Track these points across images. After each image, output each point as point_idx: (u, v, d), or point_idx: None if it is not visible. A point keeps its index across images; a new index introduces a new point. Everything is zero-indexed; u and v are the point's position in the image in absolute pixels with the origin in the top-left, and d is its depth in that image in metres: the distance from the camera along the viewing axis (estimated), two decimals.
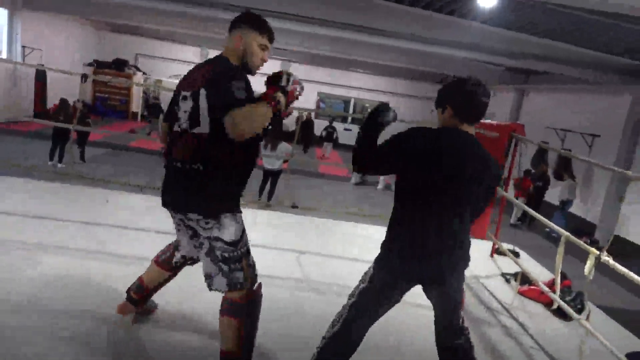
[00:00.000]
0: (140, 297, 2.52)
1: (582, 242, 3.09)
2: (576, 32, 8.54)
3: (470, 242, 2.09)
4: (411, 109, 20.15)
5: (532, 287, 3.87)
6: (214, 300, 2.21)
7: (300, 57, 18.69)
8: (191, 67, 2.25)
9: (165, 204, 2.19)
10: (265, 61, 2.19)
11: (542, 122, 13.52)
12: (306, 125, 17.41)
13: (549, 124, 13.14)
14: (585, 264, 2.73)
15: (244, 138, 1.92)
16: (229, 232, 2.09)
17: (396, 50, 11.47)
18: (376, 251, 2.07)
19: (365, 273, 2.11)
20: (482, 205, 2.13)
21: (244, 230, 2.16)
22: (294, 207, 4.59)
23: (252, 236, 4.04)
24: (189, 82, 2.11)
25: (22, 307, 2.55)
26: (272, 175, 8.75)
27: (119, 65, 18.32)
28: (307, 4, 8.75)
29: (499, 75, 14.88)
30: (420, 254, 1.96)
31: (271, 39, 2.18)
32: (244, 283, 2.11)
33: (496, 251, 4.75)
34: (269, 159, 8.62)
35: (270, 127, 2.09)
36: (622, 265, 2.56)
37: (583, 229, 10.71)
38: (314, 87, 20.90)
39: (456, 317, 2.12)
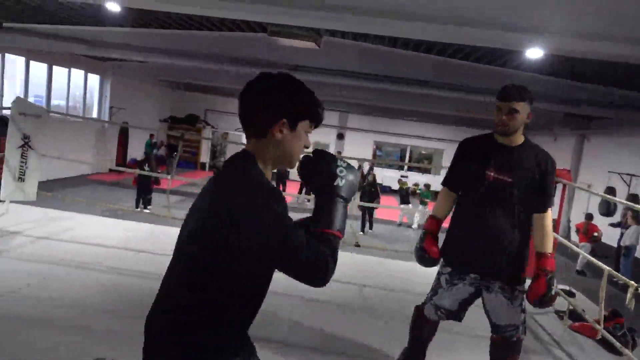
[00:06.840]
0: None
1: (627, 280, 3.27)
2: (626, 78, 8.60)
3: None
4: None
5: (583, 323, 3.98)
6: None
7: (356, 108, 19.50)
8: None
9: None
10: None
11: (605, 166, 13.20)
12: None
13: (612, 168, 12.81)
14: None
15: None
16: None
17: (451, 100, 11.86)
18: None
19: None
20: None
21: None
22: (357, 245, 5.11)
23: None
24: None
25: None
26: None
27: (191, 120, 20.05)
28: (354, 61, 9.41)
29: (558, 120, 14.70)
30: None
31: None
32: None
33: None
34: None
35: None
36: None
37: None
38: (370, 136, 21.57)
39: None
